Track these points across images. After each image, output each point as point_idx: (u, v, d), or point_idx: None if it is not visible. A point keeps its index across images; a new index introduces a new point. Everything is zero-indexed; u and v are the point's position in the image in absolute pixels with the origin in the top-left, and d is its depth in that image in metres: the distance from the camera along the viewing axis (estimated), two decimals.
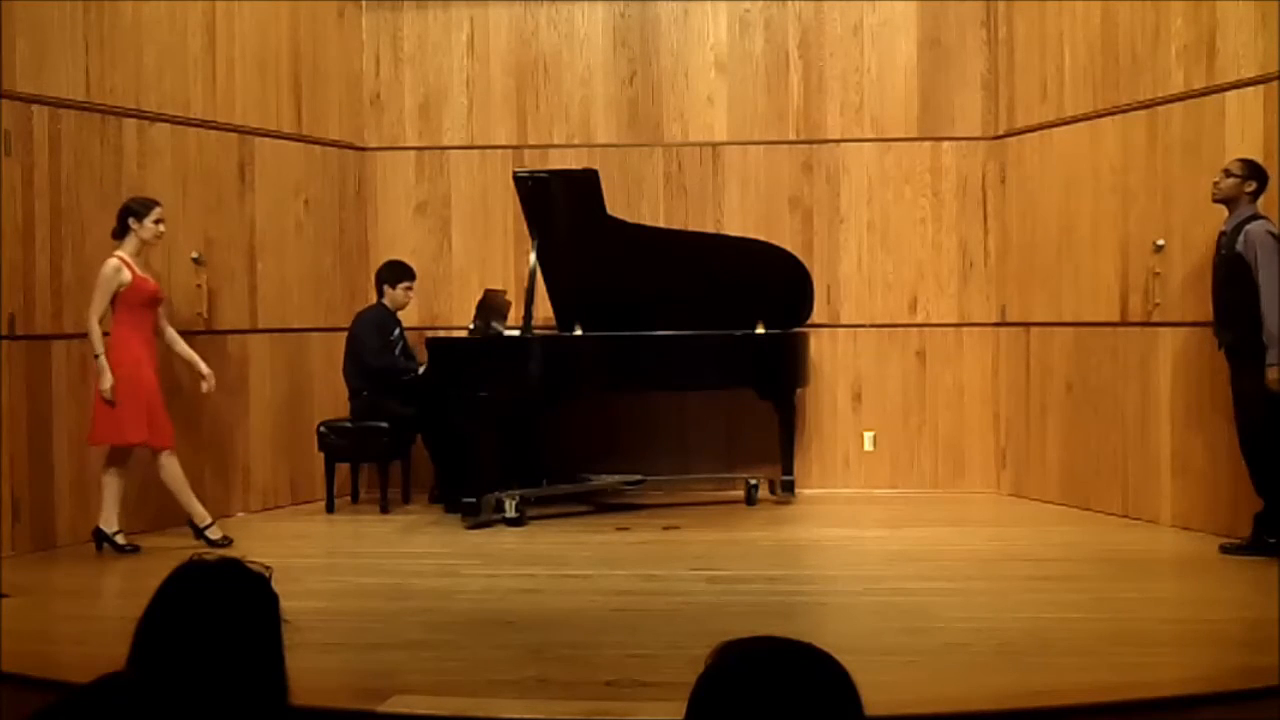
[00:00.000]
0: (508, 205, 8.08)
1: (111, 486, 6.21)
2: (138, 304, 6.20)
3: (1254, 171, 5.95)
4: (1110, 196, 7.10)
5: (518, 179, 7.39)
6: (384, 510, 7.46)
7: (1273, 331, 5.72)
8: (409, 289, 7.77)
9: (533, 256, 7.31)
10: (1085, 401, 7.33)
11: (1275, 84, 6.07)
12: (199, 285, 7.17)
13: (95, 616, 4.82)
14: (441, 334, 7.96)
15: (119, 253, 6.18)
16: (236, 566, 1.84)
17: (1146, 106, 6.83)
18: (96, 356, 6.07)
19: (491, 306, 7.56)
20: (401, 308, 7.77)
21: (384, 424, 7.43)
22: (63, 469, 6.43)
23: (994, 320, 8.09)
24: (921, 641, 4.53)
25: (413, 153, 8.46)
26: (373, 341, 7.56)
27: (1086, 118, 7.26)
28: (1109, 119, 7.09)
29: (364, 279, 8.26)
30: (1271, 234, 5.82)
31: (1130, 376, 6.98)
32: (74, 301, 6.51)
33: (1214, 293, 6.07)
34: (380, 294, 7.77)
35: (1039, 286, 7.71)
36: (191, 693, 1.73)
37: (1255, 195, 5.94)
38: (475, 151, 8.41)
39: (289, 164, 7.84)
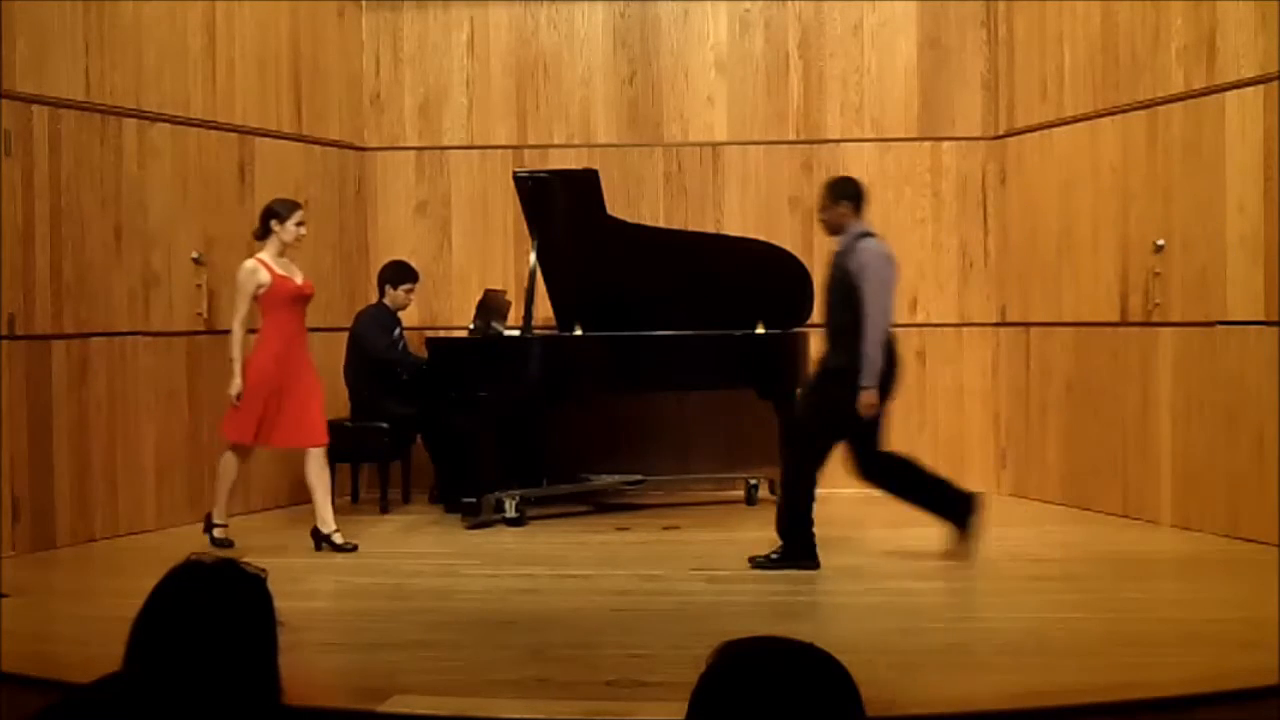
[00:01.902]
0: (508, 205, 8.07)
1: (318, 486, 6.26)
2: (281, 303, 6.21)
3: (839, 192, 5.85)
4: (1110, 196, 7.10)
5: (518, 179, 7.39)
6: (384, 510, 7.46)
7: (869, 354, 5.60)
8: (410, 291, 7.76)
9: (533, 256, 7.30)
10: (1085, 401, 7.33)
11: (1275, 84, 6.07)
12: (199, 285, 7.17)
13: (95, 616, 4.81)
14: (441, 334, 7.96)
15: (259, 255, 6.21)
16: (233, 567, 1.84)
17: (1146, 106, 6.83)
18: (231, 360, 6.15)
19: (491, 306, 7.56)
20: (401, 309, 7.76)
21: (384, 424, 7.43)
22: (63, 469, 6.43)
23: (994, 320, 8.09)
24: (921, 641, 4.53)
25: (413, 153, 8.46)
26: (379, 338, 7.55)
27: (1086, 118, 7.26)
28: (1109, 119, 7.09)
29: (364, 279, 8.26)
30: (884, 253, 5.72)
31: (1130, 376, 6.98)
32: (74, 301, 6.51)
33: (826, 315, 5.88)
34: (381, 293, 7.76)
35: (1039, 286, 7.71)
36: (184, 692, 1.73)
37: (857, 210, 5.82)
38: (475, 151, 8.41)
39: (289, 164, 7.83)
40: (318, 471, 6.27)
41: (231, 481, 6.29)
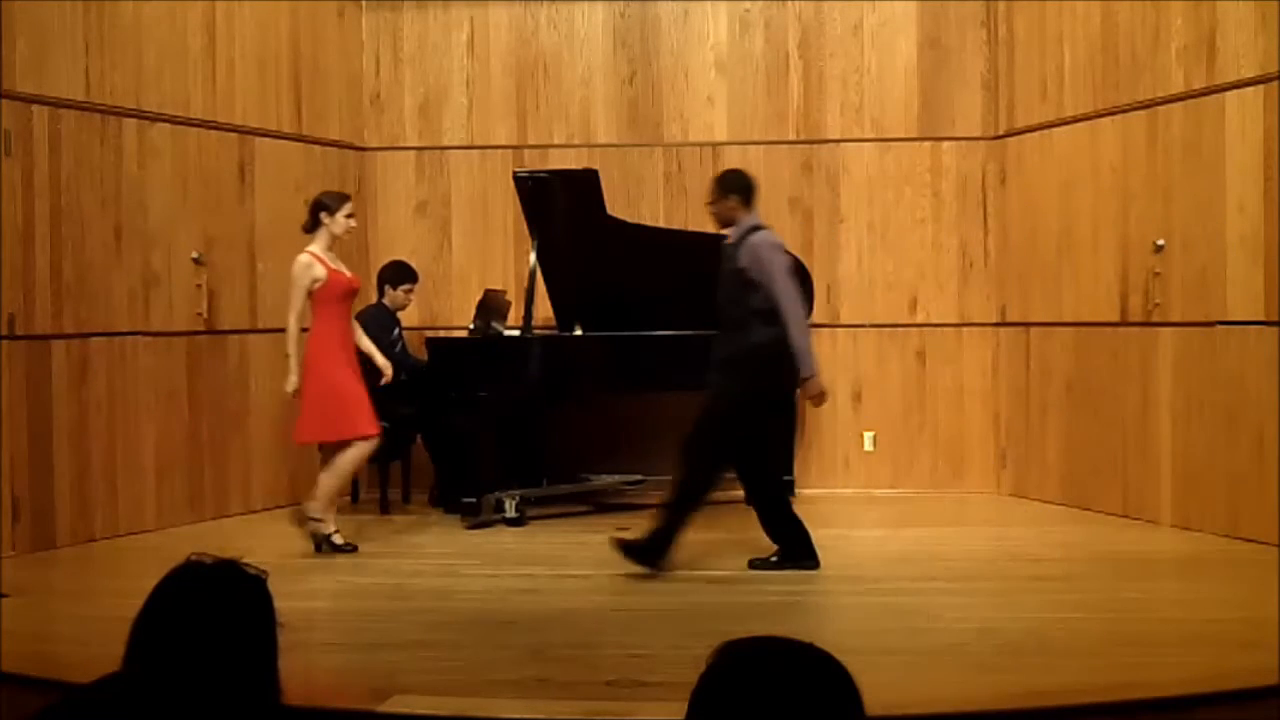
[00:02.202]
0: (508, 205, 8.08)
1: (324, 485, 6.22)
2: (334, 298, 6.14)
3: (728, 186, 5.78)
4: (1110, 196, 7.10)
5: (518, 179, 7.39)
6: (384, 510, 7.46)
7: (799, 342, 5.54)
8: (409, 291, 7.75)
9: (533, 256, 7.30)
10: (1085, 401, 7.33)
11: (1275, 84, 6.07)
12: (199, 285, 7.17)
13: (95, 616, 4.81)
14: (441, 334, 7.96)
15: (310, 248, 6.12)
16: (233, 568, 1.84)
17: (1146, 106, 6.83)
18: (286, 356, 6.08)
19: (491, 306, 7.56)
20: (401, 309, 7.75)
21: (384, 424, 7.41)
22: (63, 469, 6.43)
23: (994, 320, 8.09)
24: (921, 641, 4.53)
25: (413, 153, 8.46)
26: (379, 338, 7.53)
27: (1086, 118, 7.26)
28: (1109, 119, 7.09)
29: (364, 279, 8.23)
30: (775, 245, 5.67)
31: (1130, 376, 6.98)
32: (74, 301, 6.51)
33: (717, 310, 5.78)
34: (380, 293, 7.76)
35: (1039, 286, 7.71)
36: (184, 693, 1.73)
37: (747, 203, 5.76)
38: (475, 151, 8.41)
39: (289, 164, 7.83)
40: (347, 461, 6.24)
41: (349, 480, 6.20)
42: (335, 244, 6.23)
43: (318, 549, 6.19)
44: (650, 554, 5.62)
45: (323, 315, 6.13)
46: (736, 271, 5.66)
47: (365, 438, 6.14)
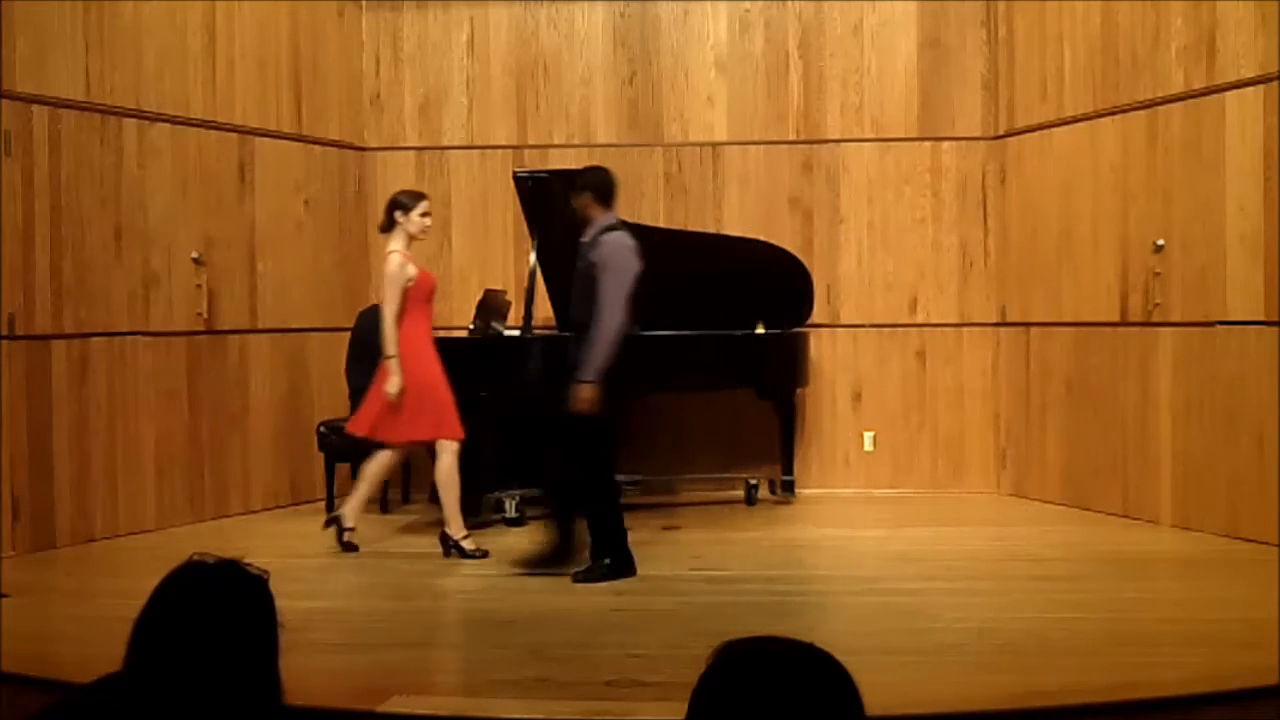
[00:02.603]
0: (508, 205, 8.08)
1: (369, 481, 6.20)
2: (423, 298, 6.10)
3: (582, 182, 5.68)
4: (1110, 196, 7.10)
5: (518, 179, 7.39)
6: (384, 510, 7.46)
7: (597, 346, 5.36)
8: None
9: (533, 256, 7.30)
10: (1085, 401, 7.33)
11: (1275, 84, 6.07)
12: (199, 285, 7.17)
13: (95, 616, 4.81)
14: (441, 334, 7.94)
15: (394, 247, 6.05)
16: (234, 569, 1.83)
17: (1146, 106, 6.83)
18: (389, 357, 5.98)
19: (491, 306, 7.56)
20: None
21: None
22: (63, 469, 6.43)
23: (994, 320, 8.09)
24: (921, 641, 4.53)
25: (413, 153, 8.46)
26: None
27: (1086, 118, 7.26)
28: (1109, 119, 7.09)
29: (364, 279, 8.26)
30: (626, 246, 5.51)
31: (1130, 376, 6.98)
32: (74, 301, 6.51)
33: (572, 311, 5.69)
34: None
35: (1039, 286, 7.71)
36: (185, 693, 1.73)
37: (602, 201, 5.63)
38: (475, 151, 8.41)
39: (289, 164, 7.83)
40: (385, 467, 6.25)
41: (457, 485, 6.07)
42: (411, 244, 6.15)
43: (327, 525, 6.30)
44: (614, 572, 5.55)
45: (411, 314, 6.07)
46: (587, 268, 5.54)
47: (452, 439, 6.08)
